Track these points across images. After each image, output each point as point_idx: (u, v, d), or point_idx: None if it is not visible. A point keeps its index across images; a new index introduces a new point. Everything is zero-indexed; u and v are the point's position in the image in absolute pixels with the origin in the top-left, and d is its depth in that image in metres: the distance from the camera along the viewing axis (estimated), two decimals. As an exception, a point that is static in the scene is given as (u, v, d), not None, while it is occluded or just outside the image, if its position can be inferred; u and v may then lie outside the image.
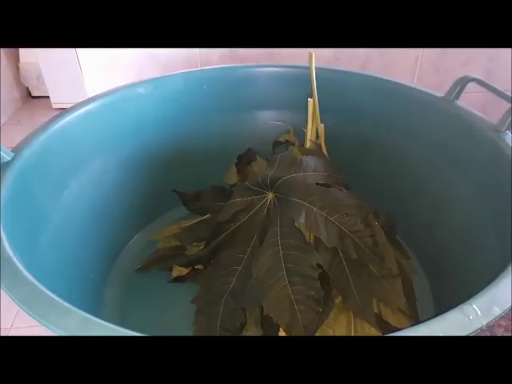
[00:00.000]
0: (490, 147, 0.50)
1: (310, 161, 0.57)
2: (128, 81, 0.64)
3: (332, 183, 0.55)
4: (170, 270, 0.59)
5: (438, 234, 0.58)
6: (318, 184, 0.53)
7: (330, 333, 0.47)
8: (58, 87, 1.12)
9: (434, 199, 0.59)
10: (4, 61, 1.15)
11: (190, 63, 0.98)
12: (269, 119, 0.70)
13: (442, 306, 0.40)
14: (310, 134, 0.62)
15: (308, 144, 0.62)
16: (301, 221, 0.49)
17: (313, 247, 0.48)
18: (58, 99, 1.14)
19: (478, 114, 0.54)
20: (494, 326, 0.59)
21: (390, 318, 0.48)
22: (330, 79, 0.65)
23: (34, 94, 1.25)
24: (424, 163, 0.61)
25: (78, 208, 0.55)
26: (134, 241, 0.67)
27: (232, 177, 0.66)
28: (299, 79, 0.66)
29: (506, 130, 0.50)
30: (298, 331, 0.44)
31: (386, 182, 0.66)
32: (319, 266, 0.47)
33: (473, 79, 0.55)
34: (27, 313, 0.31)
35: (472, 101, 0.67)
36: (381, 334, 0.46)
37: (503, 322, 0.59)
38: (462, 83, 0.57)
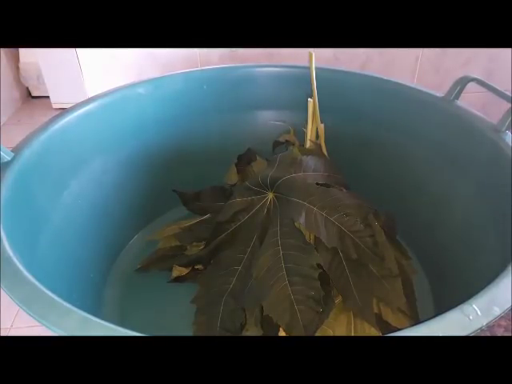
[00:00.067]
0: (490, 147, 0.50)
1: (310, 161, 0.57)
2: (128, 81, 0.64)
3: (332, 183, 0.55)
4: (170, 269, 0.59)
5: (438, 233, 0.58)
6: (317, 184, 0.53)
7: (330, 333, 0.47)
8: (58, 87, 1.12)
9: (434, 199, 0.59)
10: (4, 61, 1.15)
11: (190, 63, 0.98)
12: (269, 119, 0.70)
13: (442, 306, 0.40)
14: (310, 133, 0.62)
15: (308, 144, 0.62)
16: (301, 221, 0.49)
17: (313, 247, 0.48)
18: (58, 99, 1.14)
19: (478, 114, 0.54)
20: (494, 325, 0.59)
21: (390, 318, 0.48)
22: (329, 79, 0.65)
23: (34, 94, 1.25)
24: (424, 163, 0.61)
25: (77, 208, 0.55)
26: (133, 241, 0.67)
27: (232, 177, 0.66)
28: (299, 79, 0.66)
29: (506, 130, 0.50)
30: (298, 331, 0.44)
31: (386, 182, 0.66)
32: (319, 265, 0.47)
33: (473, 79, 0.55)
34: (27, 313, 0.31)
35: (472, 101, 0.67)
36: (381, 334, 0.46)
37: (503, 322, 0.59)
38: (462, 83, 0.57)
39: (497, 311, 0.31)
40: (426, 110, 0.60)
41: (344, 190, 0.55)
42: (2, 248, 0.36)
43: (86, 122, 0.57)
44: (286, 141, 0.66)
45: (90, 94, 0.62)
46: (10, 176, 0.45)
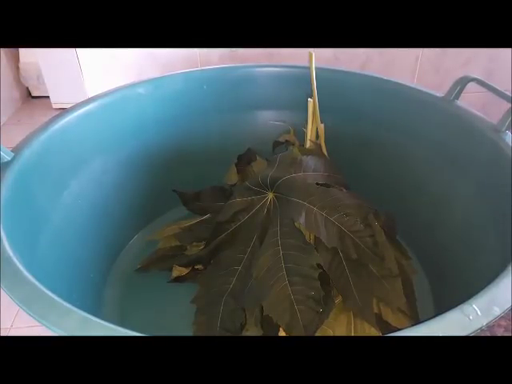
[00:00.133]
0: (490, 147, 0.50)
1: (310, 161, 0.57)
2: (128, 81, 0.64)
3: (332, 183, 0.55)
4: (170, 270, 0.59)
5: (438, 233, 0.58)
6: (318, 184, 0.53)
7: (330, 333, 0.47)
8: (58, 87, 1.12)
9: (434, 199, 0.59)
10: (4, 61, 1.15)
11: (190, 63, 0.98)
12: (269, 119, 0.70)
13: (442, 306, 0.40)
14: (310, 133, 0.62)
15: (308, 144, 0.62)
16: (301, 221, 0.49)
17: (313, 247, 0.48)
18: (58, 99, 1.14)
19: (478, 114, 0.54)
20: (494, 325, 0.59)
21: (390, 318, 0.48)
22: (330, 79, 0.65)
23: (34, 94, 1.25)
24: (424, 163, 0.61)
25: (78, 208, 0.55)
26: (133, 241, 0.67)
27: (232, 177, 0.66)
28: (299, 79, 0.66)
29: (506, 130, 0.50)
30: (298, 331, 0.44)
31: (386, 181, 0.66)
32: (319, 265, 0.47)
33: (473, 79, 0.55)
34: (27, 313, 0.31)
35: (472, 101, 0.67)
36: (381, 334, 0.46)
37: (503, 322, 0.59)
38: (462, 83, 0.57)
39: (497, 311, 0.31)
40: (426, 110, 0.60)
41: (344, 190, 0.55)
42: (2, 248, 0.36)
43: (85, 122, 0.57)
44: (286, 141, 0.66)
45: (90, 94, 0.62)
46: (10, 176, 0.45)
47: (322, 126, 0.62)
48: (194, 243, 0.61)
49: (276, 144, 0.68)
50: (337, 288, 0.49)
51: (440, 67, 1.04)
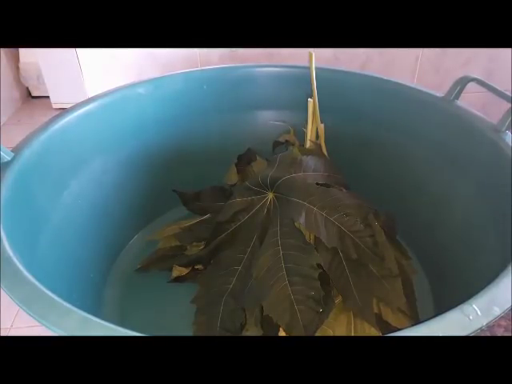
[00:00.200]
0: (490, 147, 0.50)
1: (310, 161, 0.57)
2: (128, 81, 0.64)
3: (332, 183, 0.55)
4: (170, 270, 0.59)
5: (438, 233, 0.58)
6: (318, 184, 0.53)
7: (330, 333, 0.47)
8: (58, 87, 1.12)
9: (434, 199, 0.59)
10: (4, 61, 1.15)
11: (190, 63, 0.98)
12: (269, 119, 0.70)
13: (442, 306, 0.40)
14: (310, 134, 0.62)
15: (308, 144, 0.62)
16: (301, 221, 0.49)
17: (313, 247, 0.48)
18: (58, 99, 1.14)
19: (478, 114, 0.54)
20: (494, 325, 0.59)
21: (390, 318, 0.48)
22: (330, 79, 0.65)
23: (34, 94, 1.25)
24: (424, 163, 0.61)
25: (78, 208, 0.55)
26: (133, 241, 0.67)
27: (232, 177, 0.66)
28: (299, 79, 0.66)
29: (506, 130, 0.50)
30: (298, 331, 0.44)
31: (386, 181, 0.66)
32: (319, 265, 0.47)
33: (473, 79, 0.55)
34: (27, 313, 0.31)
35: (472, 101, 0.67)
36: (381, 334, 0.46)
37: (503, 322, 0.59)
38: (462, 83, 0.57)
39: (497, 311, 0.31)
40: (426, 110, 0.60)
41: (344, 190, 0.55)
42: (2, 248, 0.36)
43: (85, 122, 0.57)
44: (286, 141, 0.66)
45: (90, 94, 0.62)
46: (10, 176, 0.45)
47: (322, 126, 0.62)
48: (194, 243, 0.61)
49: (276, 144, 0.68)
50: (337, 288, 0.49)
51: (440, 67, 1.04)
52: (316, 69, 0.60)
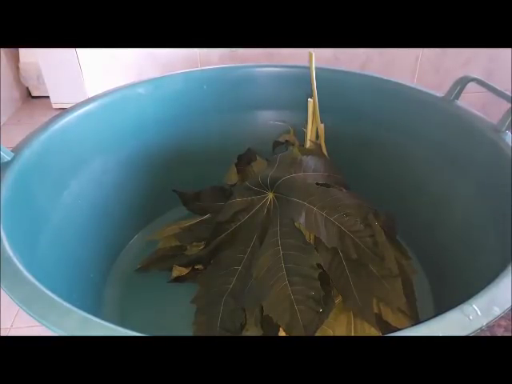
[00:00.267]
0: (489, 147, 0.50)
1: (310, 161, 0.57)
2: (128, 81, 0.64)
3: (332, 183, 0.55)
4: (170, 270, 0.59)
5: (438, 233, 0.58)
6: (318, 184, 0.53)
7: (330, 333, 0.47)
8: (58, 87, 1.12)
9: (434, 199, 0.59)
10: (4, 61, 1.15)
11: (190, 63, 0.98)
12: (269, 119, 0.70)
13: (442, 306, 0.40)
14: (310, 134, 0.62)
15: (308, 144, 0.62)
16: (301, 221, 0.49)
17: (313, 247, 0.48)
18: (58, 99, 1.14)
19: (478, 114, 0.54)
20: (494, 325, 0.59)
21: (390, 318, 0.48)
22: (330, 79, 0.65)
23: (34, 94, 1.25)
24: (424, 163, 0.61)
25: (77, 208, 0.55)
26: (133, 241, 0.67)
27: (232, 177, 0.66)
28: (299, 79, 0.66)
29: (506, 130, 0.50)
30: (298, 331, 0.44)
31: (386, 181, 0.66)
32: (319, 266, 0.47)
33: (473, 79, 0.55)
34: (27, 313, 0.31)
35: (472, 101, 0.67)
36: (381, 334, 0.46)
37: (503, 322, 0.59)
38: (462, 83, 0.57)
39: (497, 311, 0.31)
40: (426, 110, 0.60)
41: (344, 190, 0.55)
42: (2, 248, 0.36)
43: (86, 122, 0.57)
44: (286, 141, 0.66)
45: (90, 94, 0.62)
46: (10, 176, 0.45)
47: (322, 126, 0.62)
48: (194, 243, 0.61)
49: (276, 144, 0.68)
50: (337, 288, 0.49)
51: (440, 67, 1.04)
52: (316, 69, 0.60)
